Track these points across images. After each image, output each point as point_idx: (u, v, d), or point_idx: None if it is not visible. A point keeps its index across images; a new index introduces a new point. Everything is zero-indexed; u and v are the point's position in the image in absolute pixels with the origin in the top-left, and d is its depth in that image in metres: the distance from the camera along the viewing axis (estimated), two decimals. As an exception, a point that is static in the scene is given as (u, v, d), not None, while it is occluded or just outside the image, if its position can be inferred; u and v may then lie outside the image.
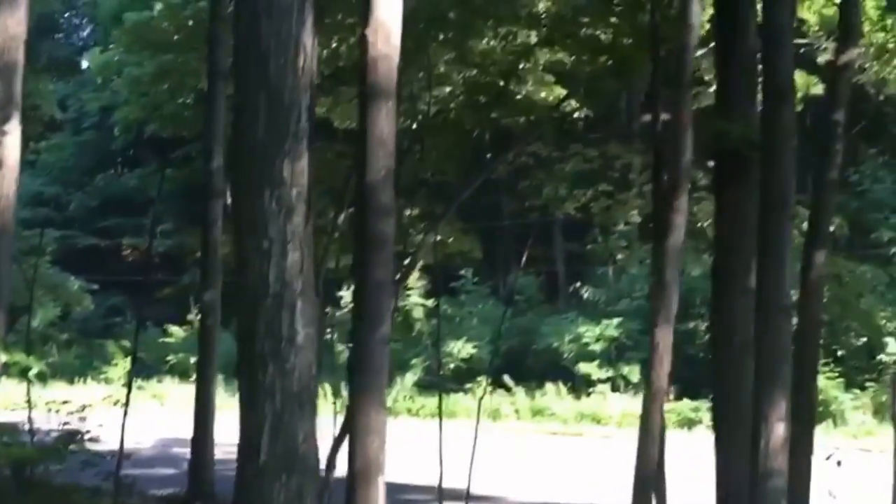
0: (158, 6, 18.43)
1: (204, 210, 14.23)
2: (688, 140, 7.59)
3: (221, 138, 13.30)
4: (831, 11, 13.91)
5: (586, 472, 18.21)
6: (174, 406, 28.85)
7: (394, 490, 14.52)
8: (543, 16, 12.16)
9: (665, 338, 8.21)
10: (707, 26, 11.62)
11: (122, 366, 29.40)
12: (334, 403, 11.38)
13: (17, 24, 9.29)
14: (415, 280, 25.87)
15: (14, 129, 9.38)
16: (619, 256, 26.28)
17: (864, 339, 24.69)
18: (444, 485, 10.47)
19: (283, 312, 5.38)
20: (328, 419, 12.14)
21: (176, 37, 15.27)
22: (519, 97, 13.12)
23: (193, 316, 32.46)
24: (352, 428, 7.49)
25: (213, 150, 13.46)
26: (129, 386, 12.12)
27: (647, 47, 9.51)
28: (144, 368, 28.18)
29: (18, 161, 9.55)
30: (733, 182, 8.91)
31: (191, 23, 15.02)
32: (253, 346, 5.41)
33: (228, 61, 12.80)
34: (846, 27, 10.18)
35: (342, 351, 17.65)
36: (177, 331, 34.04)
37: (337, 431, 11.73)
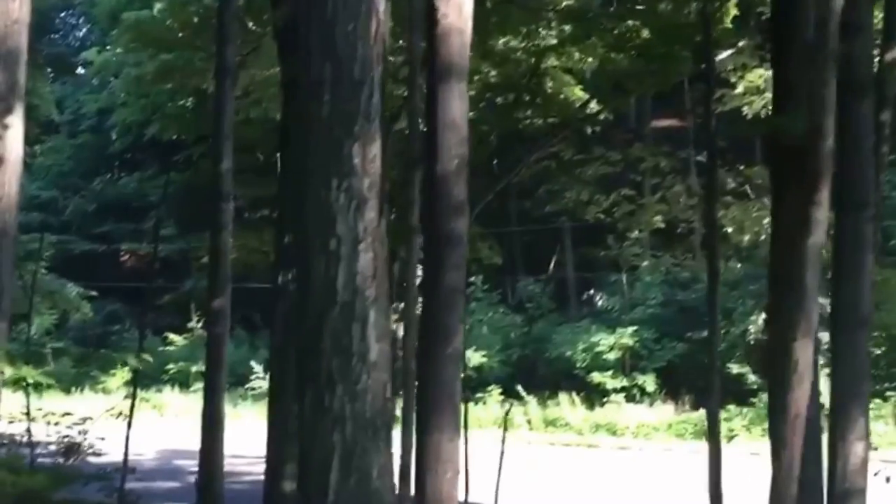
0: (159, 5, 17.94)
1: (213, 213, 13.59)
2: (831, 124, 6.72)
3: (231, 138, 12.71)
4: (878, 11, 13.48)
5: (609, 485, 17.69)
6: (174, 416, 28.44)
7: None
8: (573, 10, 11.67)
9: (805, 354, 7.15)
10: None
11: (121, 376, 28.86)
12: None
13: (19, 7, 8.71)
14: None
15: (17, 122, 8.82)
16: (645, 263, 25.69)
17: (884, 348, 24.15)
18: (466, 499, 9.97)
19: (354, 325, 4.63)
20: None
21: (180, 34, 14.67)
22: (541, 98, 12.59)
23: (194, 324, 31.95)
24: (420, 458, 6.72)
25: (223, 150, 12.81)
26: (133, 398, 11.74)
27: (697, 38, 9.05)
28: (143, 378, 27.63)
29: (21, 157, 8.99)
30: (794, 183, 8.37)
31: (196, 19, 14.42)
32: (317, 365, 4.65)
33: (237, 58, 12.34)
34: (891, 23, 9.71)
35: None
36: (177, 339, 33.43)
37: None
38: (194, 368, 28.23)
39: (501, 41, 11.61)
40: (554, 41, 12.07)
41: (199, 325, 31.43)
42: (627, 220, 13.67)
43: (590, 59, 12.03)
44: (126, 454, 10.77)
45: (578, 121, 12.67)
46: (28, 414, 11.27)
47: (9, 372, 8.39)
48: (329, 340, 4.63)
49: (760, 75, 15.27)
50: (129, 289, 33.31)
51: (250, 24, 13.21)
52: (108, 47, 29.54)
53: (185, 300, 32.75)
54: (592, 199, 13.94)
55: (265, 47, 14.97)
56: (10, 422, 12.23)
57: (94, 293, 28.71)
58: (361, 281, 4.65)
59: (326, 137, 4.66)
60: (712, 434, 7.73)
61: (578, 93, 13.24)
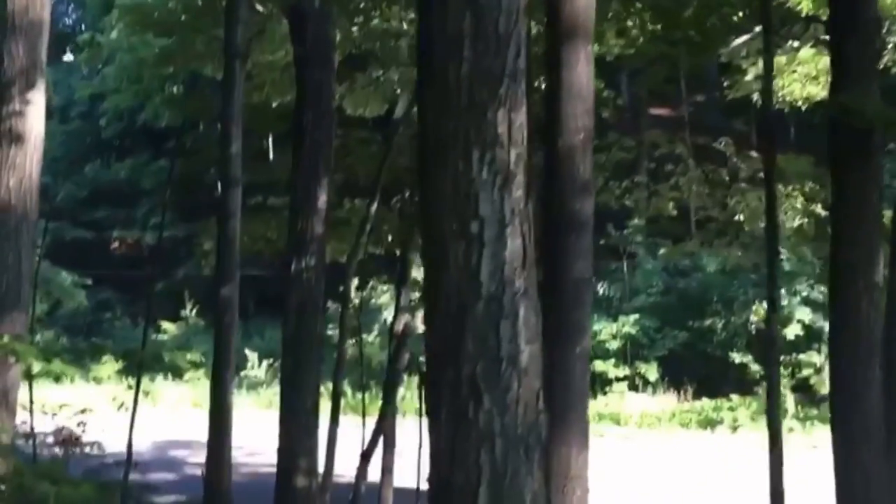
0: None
1: (221, 199, 13.33)
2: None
3: (240, 122, 12.43)
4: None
5: (621, 475, 17.45)
6: (167, 406, 28.10)
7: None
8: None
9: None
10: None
11: (111, 365, 28.51)
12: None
13: None
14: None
15: (38, 98, 8.62)
16: (662, 251, 25.46)
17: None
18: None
19: (503, 323, 3.94)
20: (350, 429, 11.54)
21: (182, 17, 14.37)
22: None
23: (188, 312, 31.61)
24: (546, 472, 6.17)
25: (231, 134, 12.53)
26: (136, 389, 11.56)
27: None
28: (134, 367, 27.33)
29: (43, 136, 8.78)
30: (854, 163, 8.14)
31: (200, 2, 14.13)
32: (457, 371, 3.95)
33: (246, 41, 12.04)
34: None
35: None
36: (170, 327, 33.07)
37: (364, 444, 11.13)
38: (189, 356, 27.88)
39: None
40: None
41: (193, 313, 31.15)
42: (643, 206, 13.39)
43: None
44: (130, 448, 10.58)
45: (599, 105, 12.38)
46: (31, 405, 11.17)
47: (38, 367, 8.17)
48: (472, 342, 3.94)
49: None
50: (121, 276, 32.94)
51: (257, 6, 12.89)
52: (101, 32, 29.14)
53: (178, 288, 32.36)
54: (607, 184, 13.68)
55: (268, 31, 14.72)
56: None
57: (88, 281, 28.39)
58: (509, 271, 3.97)
59: (466, 101, 4.00)
60: (772, 428, 7.41)
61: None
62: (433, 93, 4.13)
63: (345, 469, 11.38)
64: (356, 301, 17.73)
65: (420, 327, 11.42)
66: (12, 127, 8.63)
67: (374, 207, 10.62)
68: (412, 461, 12.27)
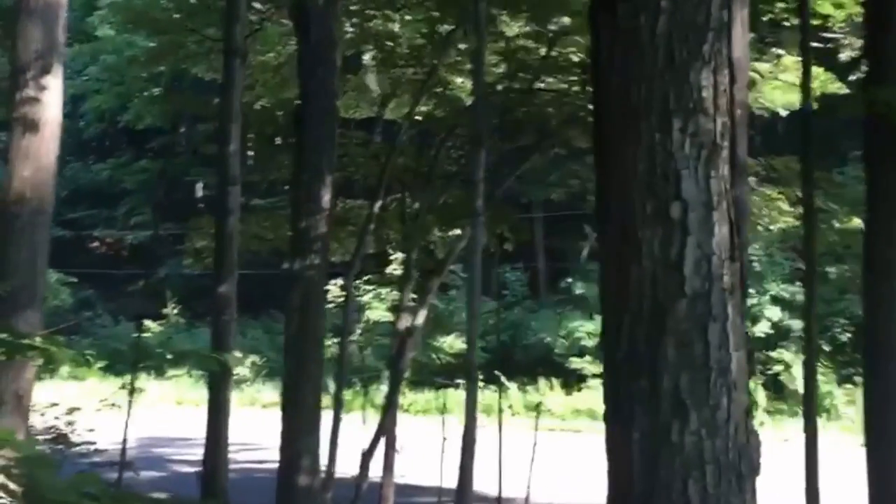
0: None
1: (219, 197, 13.36)
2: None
3: (239, 120, 12.46)
4: (856, 9, 13.42)
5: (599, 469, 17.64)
6: (150, 404, 28.04)
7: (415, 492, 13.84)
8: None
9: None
10: None
11: (94, 364, 28.45)
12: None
13: None
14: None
15: (55, 83, 8.20)
16: None
17: (852, 332, 24.42)
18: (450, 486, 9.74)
19: (711, 326, 3.33)
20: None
21: (176, 15, 14.37)
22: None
23: (169, 310, 31.60)
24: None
25: (230, 132, 12.55)
26: (131, 389, 11.39)
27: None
28: (118, 365, 27.38)
29: (60, 123, 8.32)
30: (891, 162, 8.18)
31: (193, 0, 14.13)
32: (653, 382, 3.34)
33: (244, 39, 12.07)
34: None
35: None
36: (152, 325, 33.01)
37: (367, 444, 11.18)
38: (169, 356, 27.83)
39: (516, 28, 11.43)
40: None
41: (175, 311, 31.15)
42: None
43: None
44: (124, 448, 10.42)
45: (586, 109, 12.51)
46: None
47: (65, 368, 7.99)
48: (673, 348, 3.32)
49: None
50: (101, 275, 32.84)
51: (256, 4, 12.96)
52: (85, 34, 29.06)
53: (159, 286, 32.36)
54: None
55: (264, 30, 14.80)
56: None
57: (73, 279, 28.35)
58: (717, 263, 3.35)
59: (663, 61, 3.37)
60: (808, 421, 7.43)
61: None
62: (620, 51, 3.46)
63: (345, 467, 11.47)
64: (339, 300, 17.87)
65: (419, 326, 11.63)
66: (27, 113, 8.10)
67: (377, 206, 10.69)
68: (412, 458, 12.40)
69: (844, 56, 16.79)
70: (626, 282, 3.40)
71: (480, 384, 25.43)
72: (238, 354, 28.62)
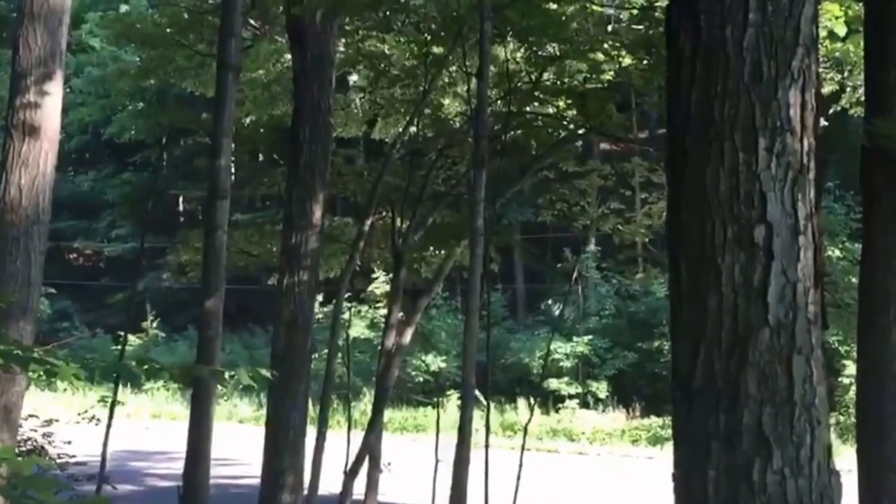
0: (124, 7, 17.59)
1: (208, 210, 13.34)
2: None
3: (231, 134, 12.47)
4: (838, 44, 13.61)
5: (584, 490, 17.79)
6: (125, 416, 27.91)
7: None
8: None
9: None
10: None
11: (97, 378, 28.24)
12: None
13: None
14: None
15: (56, 90, 7.98)
16: (639, 275, 25.97)
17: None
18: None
19: (796, 359, 3.16)
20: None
21: (168, 30, 14.38)
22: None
23: (148, 323, 31.49)
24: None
25: (222, 146, 12.51)
26: (112, 403, 11.28)
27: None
28: (94, 377, 27.15)
29: (59, 131, 8.12)
30: (889, 192, 8.24)
31: (186, 15, 14.15)
32: (733, 417, 3.16)
33: (239, 54, 12.12)
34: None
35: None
36: (130, 338, 32.87)
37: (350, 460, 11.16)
38: (145, 367, 27.69)
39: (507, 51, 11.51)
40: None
41: (154, 324, 31.06)
42: (618, 232, 13.64)
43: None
44: (103, 463, 10.30)
45: (580, 135, 12.61)
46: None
47: (64, 383, 7.85)
48: (755, 381, 3.15)
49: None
50: (79, 287, 32.68)
51: (251, 20, 13.01)
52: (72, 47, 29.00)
53: (138, 299, 32.24)
54: (582, 211, 13.95)
55: (256, 48, 14.85)
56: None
57: (52, 290, 28.20)
58: (802, 291, 3.18)
59: (750, 76, 3.19)
60: None
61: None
62: (702, 64, 3.28)
63: (328, 485, 11.45)
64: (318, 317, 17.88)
65: (408, 344, 11.66)
66: (26, 119, 7.84)
67: (367, 224, 10.74)
68: (397, 477, 12.38)
69: (826, 90, 16.99)
70: (703, 309, 3.22)
71: (457, 401, 25.67)
72: (231, 371, 28.62)
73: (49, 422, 10.67)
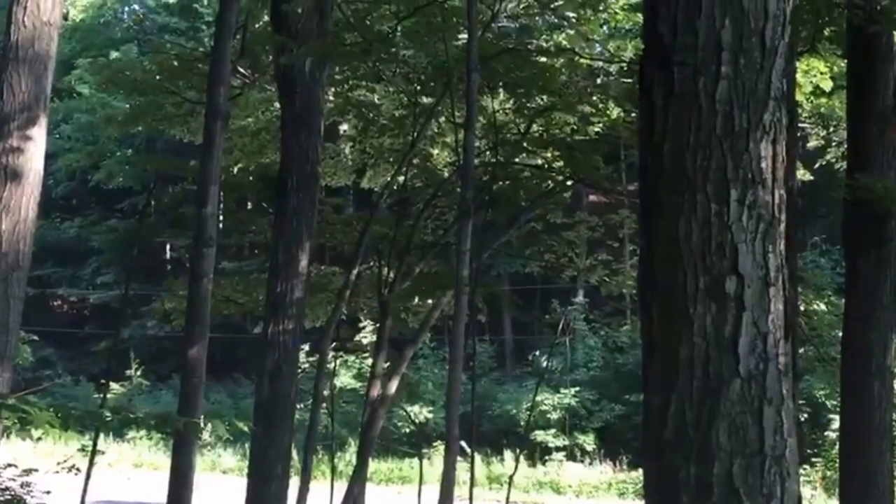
0: (114, 53, 17.67)
1: (194, 258, 13.29)
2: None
3: (218, 182, 12.46)
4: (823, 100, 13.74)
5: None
6: (106, 465, 27.59)
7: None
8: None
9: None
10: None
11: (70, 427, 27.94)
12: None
13: (52, 7, 8.03)
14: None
15: (39, 135, 8.00)
16: (626, 327, 25.98)
17: (805, 414, 24.52)
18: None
19: (766, 410, 3.16)
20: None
21: (157, 77, 14.40)
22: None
23: (132, 371, 31.23)
24: None
25: (209, 194, 12.49)
26: (92, 453, 11.12)
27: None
28: (76, 426, 26.91)
29: (42, 175, 8.09)
30: (869, 248, 8.28)
31: (175, 63, 14.18)
32: (703, 469, 3.14)
33: (227, 102, 12.15)
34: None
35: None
36: (114, 386, 32.58)
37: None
38: (131, 416, 27.43)
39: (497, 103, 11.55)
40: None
41: (138, 373, 30.86)
42: (607, 284, 13.64)
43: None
44: None
45: (569, 186, 12.63)
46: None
47: (39, 432, 7.71)
48: (725, 432, 3.13)
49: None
50: (62, 334, 32.42)
51: (240, 69, 13.04)
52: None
53: (122, 347, 32.00)
54: (569, 261, 13.95)
55: (244, 96, 14.86)
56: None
57: (34, 337, 27.99)
58: (772, 342, 3.19)
59: (722, 128, 3.23)
60: None
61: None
62: (674, 116, 3.31)
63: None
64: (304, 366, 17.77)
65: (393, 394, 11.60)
66: (9, 164, 7.83)
67: (354, 273, 10.70)
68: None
69: (811, 145, 17.13)
70: (674, 360, 3.21)
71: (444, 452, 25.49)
72: (209, 422, 28.41)
73: (28, 471, 10.32)
